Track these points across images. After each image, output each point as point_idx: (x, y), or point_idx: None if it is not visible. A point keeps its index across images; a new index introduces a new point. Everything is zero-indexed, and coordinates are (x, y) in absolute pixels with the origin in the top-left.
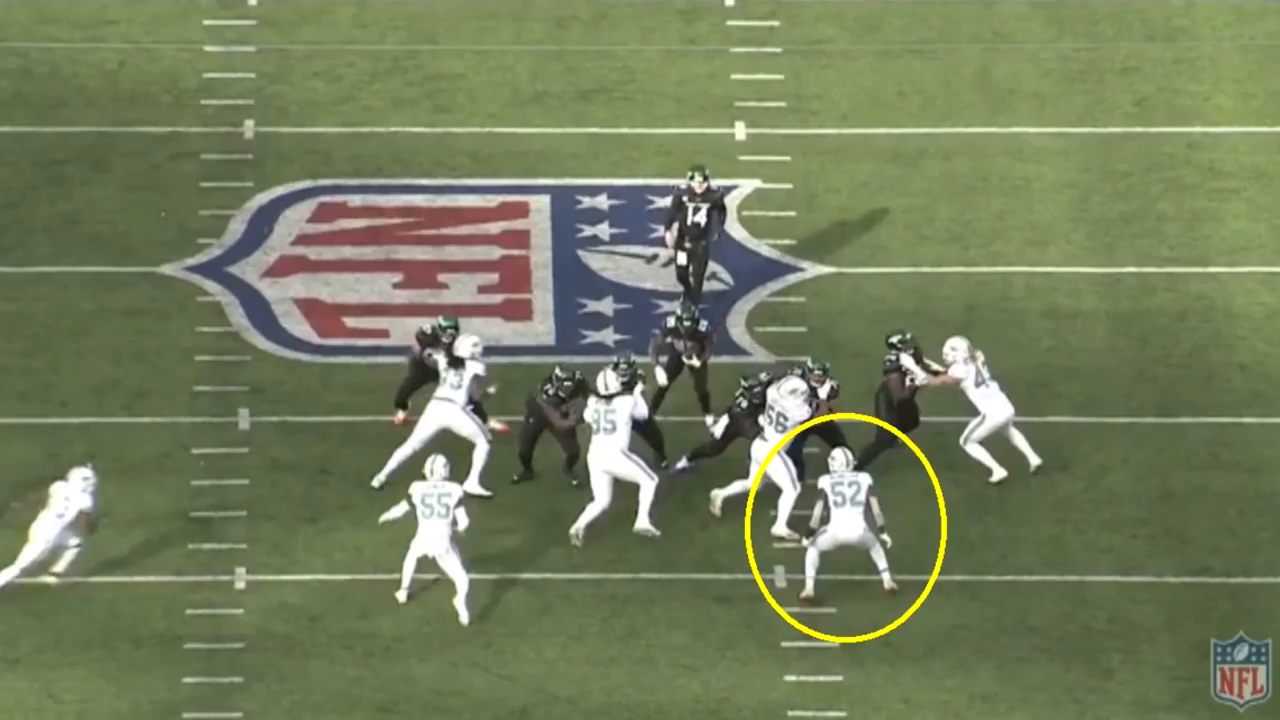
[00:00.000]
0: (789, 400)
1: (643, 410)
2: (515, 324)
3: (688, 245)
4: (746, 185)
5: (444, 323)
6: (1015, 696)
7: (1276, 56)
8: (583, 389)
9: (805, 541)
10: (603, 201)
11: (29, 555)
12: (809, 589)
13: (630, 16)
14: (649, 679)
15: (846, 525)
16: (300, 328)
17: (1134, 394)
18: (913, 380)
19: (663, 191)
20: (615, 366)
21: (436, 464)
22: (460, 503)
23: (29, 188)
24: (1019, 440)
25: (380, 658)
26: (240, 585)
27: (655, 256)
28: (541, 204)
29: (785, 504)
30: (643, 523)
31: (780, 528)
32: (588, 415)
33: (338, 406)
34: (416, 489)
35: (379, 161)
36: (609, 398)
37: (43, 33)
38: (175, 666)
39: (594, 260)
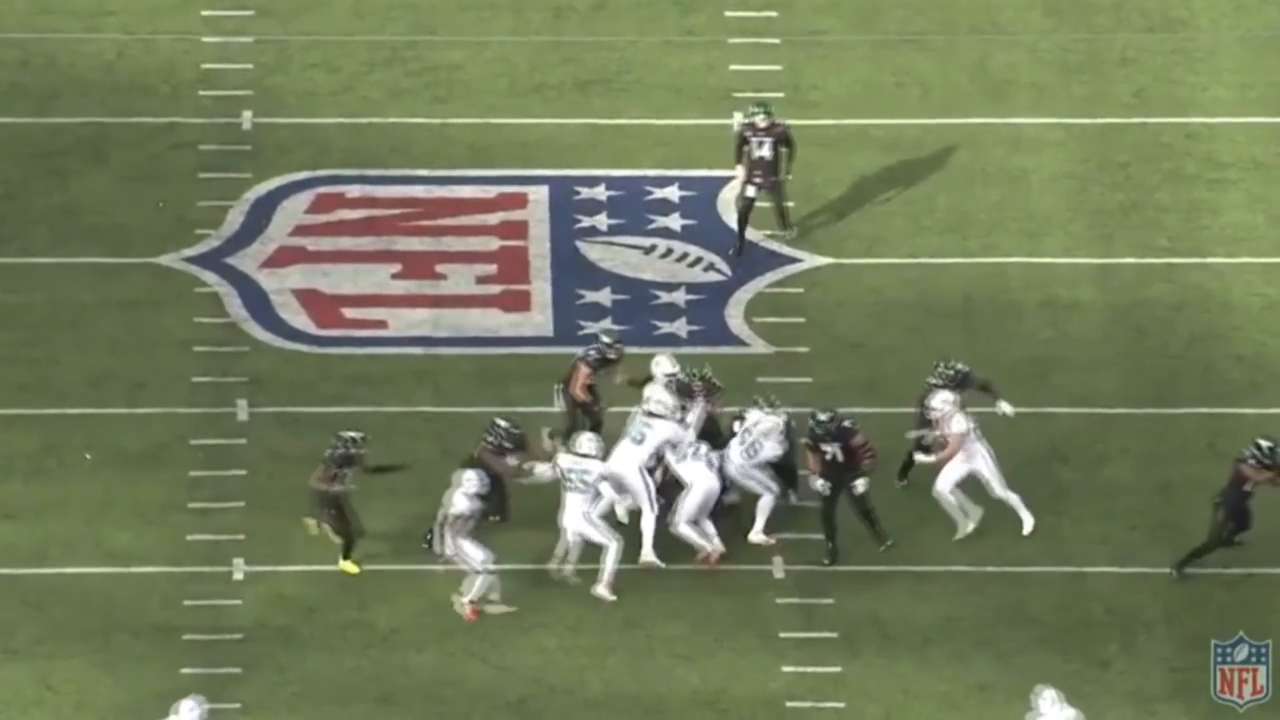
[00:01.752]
0: (766, 439)
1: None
2: (513, 315)
3: (757, 179)
4: (738, 175)
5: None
6: (1013, 687)
7: (1275, 47)
8: (524, 443)
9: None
10: (601, 192)
11: None
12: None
13: (628, 7)
14: (647, 669)
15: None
16: (298, 318)
17: (1132, 385)
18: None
19: (660, 183)
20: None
21: (583, 440)
22: (600, 479)
23: (26, 179)
24: (1014, 501)
25: (378, 648)
26: (238, 576)
27: (653, 247)
28: (540, 195)
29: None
30: (647, 555)
31: (757, 534)
32: (550, 472)
33: (336, 397)
34: (563, 460)
35: (377, 152)
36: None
37: (40, 23)
38: (173, 657)
39: (592, 251)
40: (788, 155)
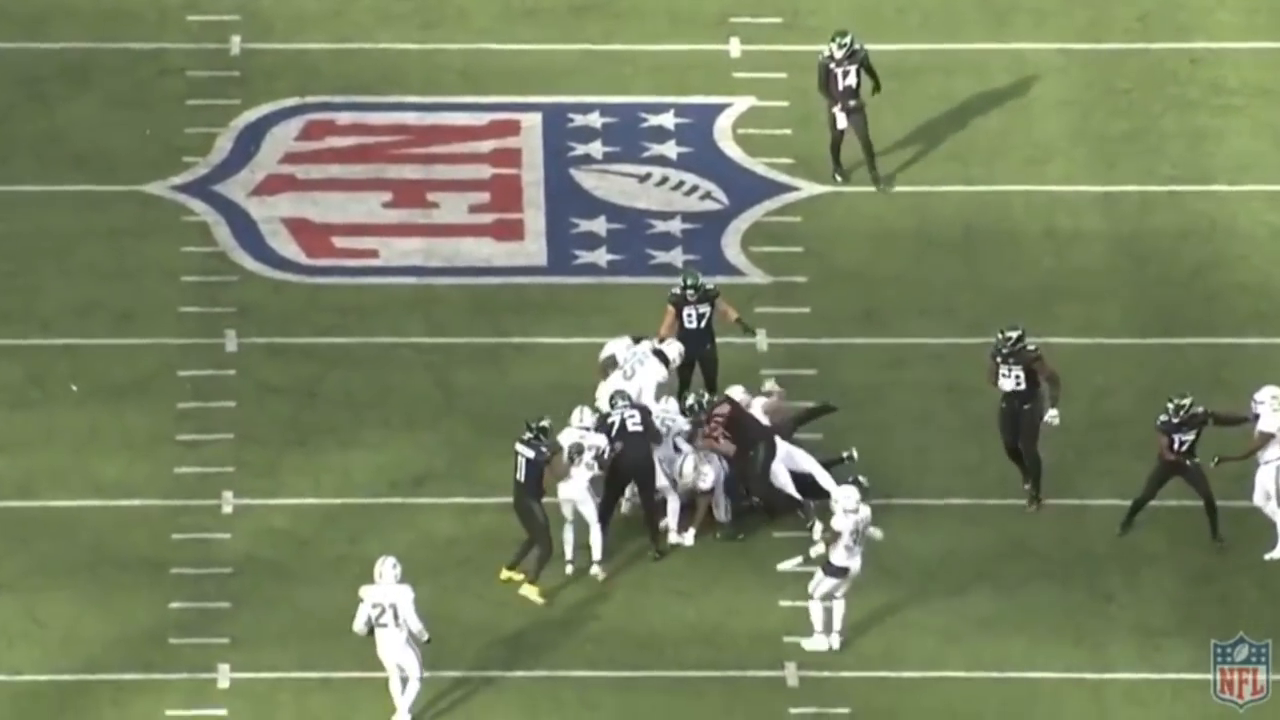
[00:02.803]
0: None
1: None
2: (506, 244)
3: (851, 104)
4: (741, 103)
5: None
6: (1014, 620)
7: None
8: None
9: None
10: (595, 119)
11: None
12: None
13: None
14: (643, 604)
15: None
16: (288, 247)
17: (1135, 315)
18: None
19: (656, 109)
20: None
21: (584, 413)
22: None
23: (10, 105)
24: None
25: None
26: (227, 509)
27: (648, 175)
28: (533, 122)
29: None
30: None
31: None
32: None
33: (326, 328)
34: (569, 435)
35: (368, 79)
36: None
37: None
38: (161, 591)
39: (586, 179)
40: (873, 78)
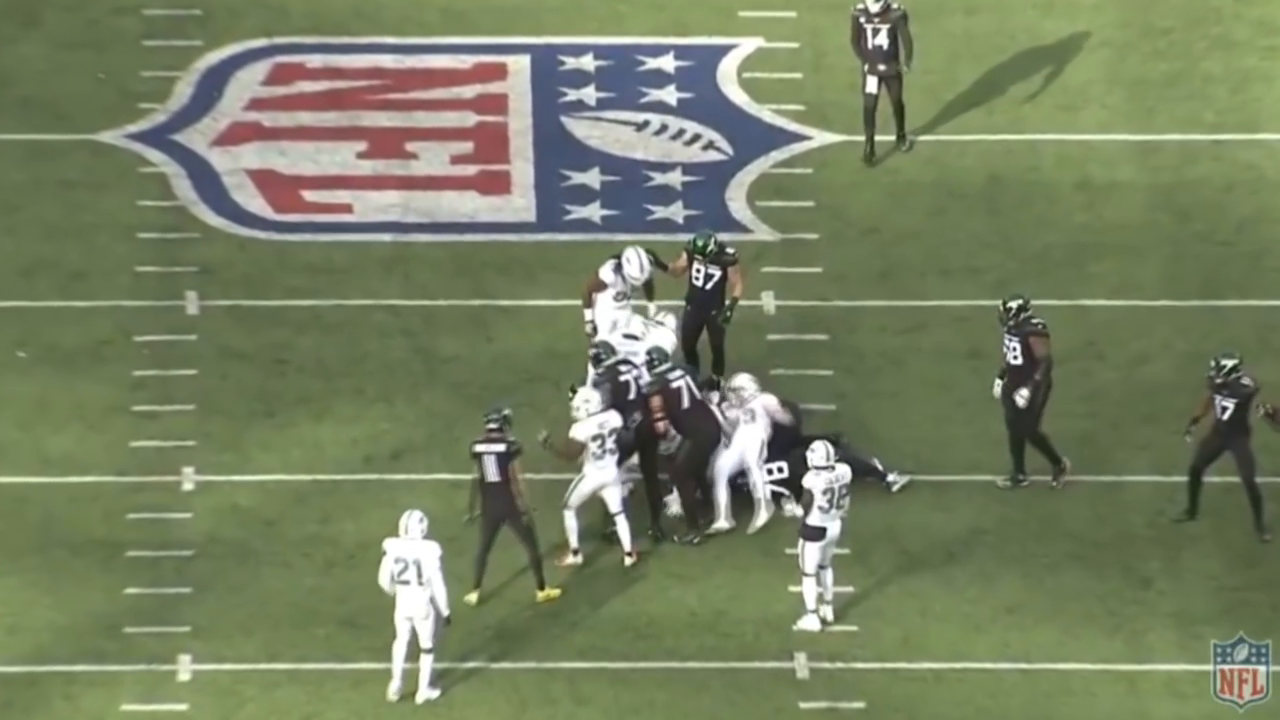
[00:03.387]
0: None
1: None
2: (492, 198)
3: (880, 69)
4: (747, 44)
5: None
6: (1044, 608)
7: None
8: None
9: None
10: (588, 62)
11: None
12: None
13: None
14: (639, 589)
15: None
16: (254, 202)
17: (1175, 274)
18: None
19: (654, 51)
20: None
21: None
22: (615, 433)
23: None
24: None
25: (342, 566)
26: (188, 486)
27: (646, 123)
28: (521, 65)
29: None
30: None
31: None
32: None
33: (296, 289)
34: (587, 427)
35: (341, 18)
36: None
37: None
38: (116, 576)
39: (579, 128)
40: (907, 40)
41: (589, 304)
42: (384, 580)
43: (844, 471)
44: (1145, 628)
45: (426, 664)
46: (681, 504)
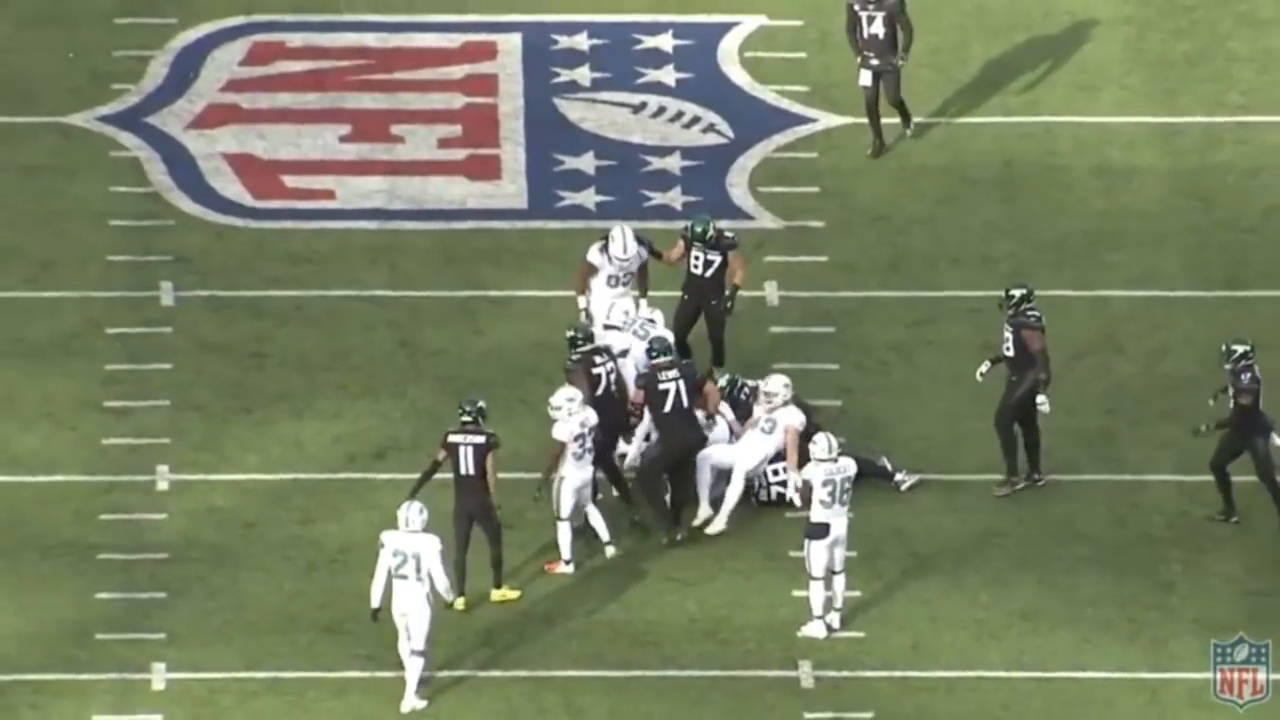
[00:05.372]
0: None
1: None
2: (481, 183)
3: (873, 61)
4: (749, 22)
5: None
6: (1060, 613)
7: None
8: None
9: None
10: (582, 41)
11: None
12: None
13: None
14: (636, 595)
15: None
16: (232, 188)
17: (1198, 263)
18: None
19: (652, 29)
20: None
21: (588, 415)
22: (594, 431)
23: None
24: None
25: (324, 570)
26: (163, 486)
27: (643, 105)
28: (511, 44)
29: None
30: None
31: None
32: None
33: (275, 279)
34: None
35: None
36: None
37: None
38: (87, 580)
39: (572, 110)
40: (906, 38)
41: (583, 290)
42: (379, 576)
43: (847, 464)
44: (1167, 634)
45: (414, 668)
46: (652, 508)
